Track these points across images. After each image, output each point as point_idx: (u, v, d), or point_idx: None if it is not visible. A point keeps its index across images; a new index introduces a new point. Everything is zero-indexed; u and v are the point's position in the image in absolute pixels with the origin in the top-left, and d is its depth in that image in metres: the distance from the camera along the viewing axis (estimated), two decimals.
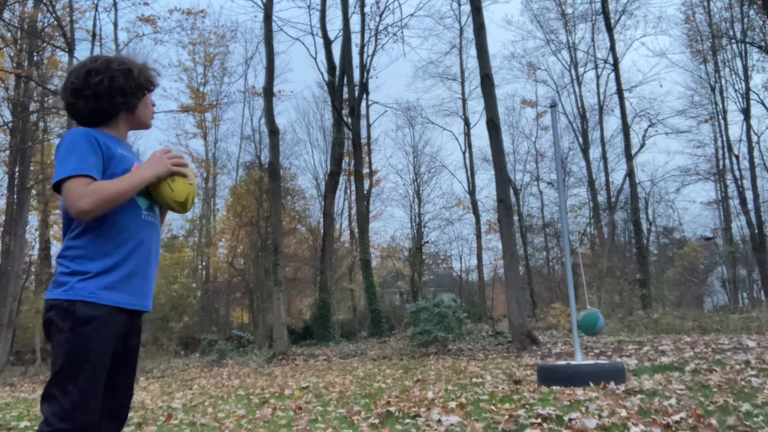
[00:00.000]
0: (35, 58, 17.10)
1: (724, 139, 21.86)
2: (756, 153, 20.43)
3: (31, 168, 17.66)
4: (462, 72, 24.00)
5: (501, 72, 25.22)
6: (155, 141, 50.25)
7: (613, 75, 20.74)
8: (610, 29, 20.69)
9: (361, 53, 21.02)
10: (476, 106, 32.26)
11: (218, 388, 7.03)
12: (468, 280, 27.77)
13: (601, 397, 3.88)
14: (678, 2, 31.44)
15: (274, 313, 13.89)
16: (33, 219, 20.40)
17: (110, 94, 1.68)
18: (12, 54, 17.04)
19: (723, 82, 21.79)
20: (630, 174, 19.40)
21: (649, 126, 22.55)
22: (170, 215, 1.75)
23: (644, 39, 41.30)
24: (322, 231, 21.17)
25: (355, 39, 20.60)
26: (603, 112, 22.35)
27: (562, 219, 6.31)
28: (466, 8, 20.39)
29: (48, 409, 1.50)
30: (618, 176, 22.52)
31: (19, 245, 15.77)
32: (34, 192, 19.06)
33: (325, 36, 19.93)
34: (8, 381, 11.88)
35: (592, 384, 4.46)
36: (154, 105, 1.86)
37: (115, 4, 15.84)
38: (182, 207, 1.73)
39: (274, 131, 14.74)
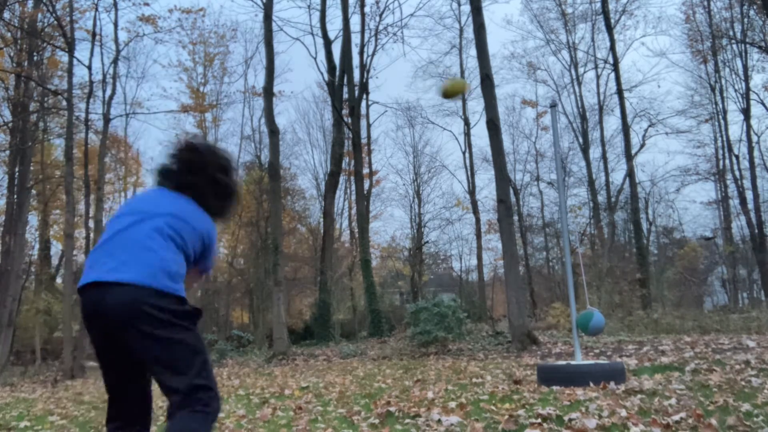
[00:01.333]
0: (35, 58, 17.09)
1: (724, 139, 21.88)
2: (756, 153, 20.46)
3: (31, 168, 17.67)
4: (462, 72, 23.99)
5: (501, 72, 25.23)
6: (155, 141, 50.30)
7: (613, 75, 20.74)
8: (610, 29, 20.69)
9: (361, 53, 21.02)
10: (476, 106, 32.24)
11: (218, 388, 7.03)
12: (468, 280, 27.79)
13: (601, 397, 3.88)
14: (678, 2, 31.46)
15: (274, 313, 13.89)
16: (33, 219, 20.43)
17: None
18: (12, 54, 17.04)
19: (723, 82, 21.80)
20: (630, 174, 19.39)
21: (649, 126, 22.57)
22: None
23: (644, 39, 41.38)
24: (322, 231, 21.17)
25: (355, 39, 20.61)
26: (603, 112, 22.36)
27: (562, 219, 6.31)
28: (466, 8, 20.40)
29: (205, 394, 1.68)
30: (618, 176, 22.53)
31: (19, 245, 15.77)
32: (34, 192, 19.07)
33: (325, 36, 19.93)
34: (8, 381, 11.89)
35: (592, 384, 4.46)
36: None
37: (115, 4, 15.82)
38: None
39: (274, 131, 14.74)
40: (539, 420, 3.23)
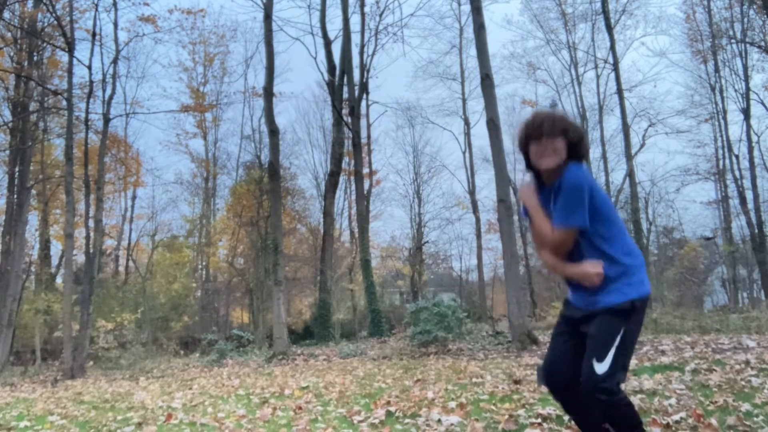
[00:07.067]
0: (35, 58, 17.08)
1: (724, 139, 21.88)
2: (756, 153, 20.44)
3: (31, 168, 17.65)
4: (462, 72, 24.05)
5: (501, 72, 25.24)
6: (155, 141, 50.26)
7: (613, 75, 20.74)
8: (610, 29, 20.69)
9: (361, 53, 21.04)
10: (476, 106, 32.29)
11: (218, 388, 7.03)
12: (468, 280, 27.82)
13: None
14: (678, 2, 31.44)
15: (274, 313, 13.89)
16: (33, 219, 20.41)
17: None
18: (12, 54, 17.02)
19: (723, 82, 21.81)
20: (630, 174, 19.39)
21: (649, 126, 22.59)
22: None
23: (644, 39, 41.34)
24: (322, 231, 21.17)
25: (355, 39, 20.62)
26: (603, 111, 22.38)
27: None
28: (466, 8, 20.41)
29: (619, 376, 2.00)
30: (618, 176, 22.51)
31: (19, 245, 15.76)
32: (34, 192, 19.05)
33: (325, 36, 19.93)
34: (8, 381, 11.88)
35: None
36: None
37: (115, 4, 15.79)
38: None
39: (274, 131, 14.74)
40: (539, 420, 3.23)
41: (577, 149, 2.15)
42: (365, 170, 22.27)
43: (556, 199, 2.12)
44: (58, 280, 21.39)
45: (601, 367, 1.99)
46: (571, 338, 2.18)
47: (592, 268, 2.08)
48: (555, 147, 2.12)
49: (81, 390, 8.28)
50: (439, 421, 3.41)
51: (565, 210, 2.07)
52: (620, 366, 2.01)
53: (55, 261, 22.52)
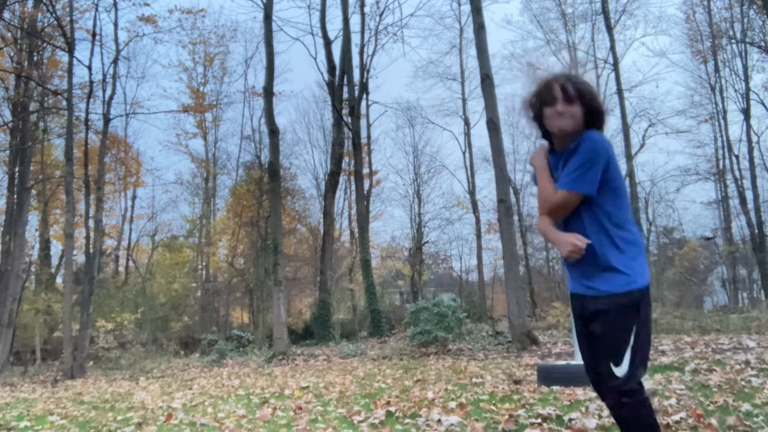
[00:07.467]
0: (35, 58, 17.07)
1: (724, 139, 21.87)
2: (756, 153, 20.44)
3: (31, 168, 17.65)
4: (462, 72, 24.00)
5: (501, 72, 25.19)
6: (155, 141, 50.29)
7: (613, 75, 20.71)
8: (610, 29, 20.68)
9: (361, 53, 21.03)
10: (476, 106, 32.18)
11: (218, 388, 7.03)
12: (468, 280, 27.78)
13: None
14: (678, 2, 31.39)
15: (274, 313, 13.89)
16: (33, 219, 20.40)
17: None
18: (12, 54, 17.02)
19: (723, 82, 21.80)
20: (630, 174, 19.39)
21: (649, 126, 22.55)
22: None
23: (644, 39, 41.09)
24: (322, 231, 21.17)
25: (355, 39, 20.61)
26: None
27: None
28: (466, 8, 20.39)
29: (640, 374, 1.92)
30: None
31: (19, 245, 15.76)
32: (34, 192, 19.05)
33: (325, 36, 19.93)
34: (8, 381, 11.89)
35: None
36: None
37: (115, 4, 15.79)
38: None
39: (274, 131, 14.75)
40: (539, 420, 3.23)
41: (594, 118, 2.05)
42: (365, 170, 22.26)
43: (566, 163, 2.02)
44: (58, 280, 21.38)
45: (620, 370, 1.91)
46: (589, 335, 2.10)
47: (574, 239, 1.95)
48: (571, 112, 2.03)
49: (81, 390, 8.28)
50: (439, 421, 3.41)
51: (575, 173, 1.96)
52: (639, 363, 1.92)
53: (55, 261, 22.52)
